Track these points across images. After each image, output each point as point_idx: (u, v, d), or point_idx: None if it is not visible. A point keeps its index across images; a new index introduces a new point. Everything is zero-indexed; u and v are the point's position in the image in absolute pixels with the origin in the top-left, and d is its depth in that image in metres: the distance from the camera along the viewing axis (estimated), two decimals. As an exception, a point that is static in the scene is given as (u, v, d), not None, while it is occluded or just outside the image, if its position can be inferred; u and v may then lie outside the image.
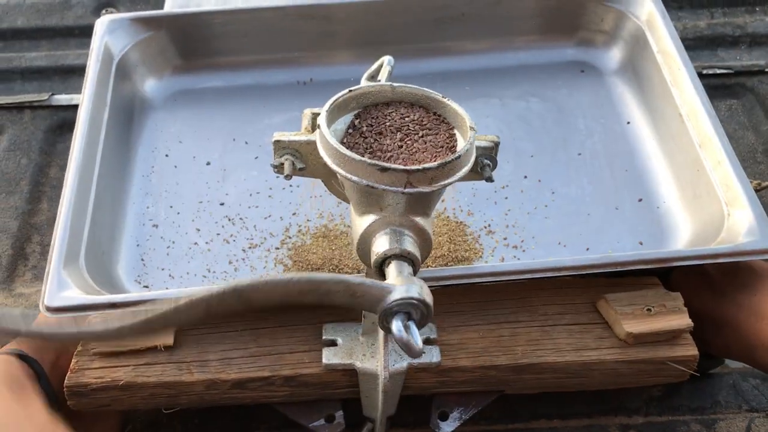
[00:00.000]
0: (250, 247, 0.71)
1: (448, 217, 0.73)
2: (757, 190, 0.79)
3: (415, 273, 0.46)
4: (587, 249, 0.70)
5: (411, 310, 0.42)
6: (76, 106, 0.96)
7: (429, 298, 0.42)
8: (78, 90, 0.99)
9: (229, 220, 0.74)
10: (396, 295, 0.41)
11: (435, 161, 0.46)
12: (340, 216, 0.73)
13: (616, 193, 0.75)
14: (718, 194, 0.68)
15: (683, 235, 0.71)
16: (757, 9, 1.07)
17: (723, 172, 0.68)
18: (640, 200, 0.74)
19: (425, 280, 0.60)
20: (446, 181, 0.46)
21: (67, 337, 0.47)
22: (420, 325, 0.42)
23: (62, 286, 0.61)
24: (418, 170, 0.44)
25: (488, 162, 0.54)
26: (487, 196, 0.75)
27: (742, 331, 0.63)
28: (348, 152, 0.45)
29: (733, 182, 0.67)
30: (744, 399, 0.71)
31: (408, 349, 0.41)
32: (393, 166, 0.44)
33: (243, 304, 0.40)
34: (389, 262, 0.46)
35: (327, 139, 0.46)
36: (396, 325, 0.41)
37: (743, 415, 0.70)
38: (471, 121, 0.49)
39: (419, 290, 0.42)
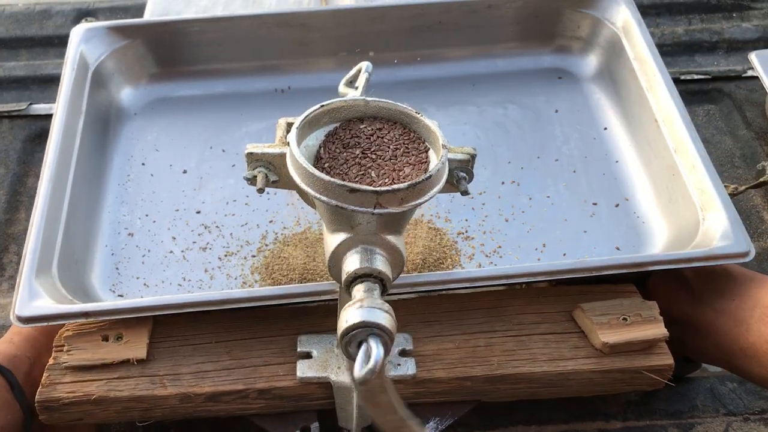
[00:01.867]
0: (226, 255, 0.71)
1: (425, 223, 0.73)
2: (734, 195, 0.79)
3: (385, 291, 0.46)
4: (564, 254, 0.71)
5: (366, 337, 0.41)
6: (53, 115, 0.96)
7: (385, 321, 0.41)
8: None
9: (206, 228, 0.73)
10: (345, 324, 0.41)
11: (406, 181, 0.46)
12: (317, 223, 0.73)
13: (592, 198, 0.75)
14: (693, 199, 0.68)
15: (659, 240, 0.71)
16: (734, 15, 1.08)
17: (698, 177, 0.69)
18: (617, 206, 0.75)
19: (401, 286, 0.60)
20: (416, 202, 0.45)
21: None
22: (384, 344, 0.41)
23: (34, 296, 0.60)
24: (387, 191, 0.44)
25: (464, 175, 0.54)
26: (465, 202, 0.75)
27: (720, 336, 0.63)
28: (317, 172, 0.45)
29: (708, 187, 0.67)
30: (721, 403, 0.72)
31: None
32: (362, 187, 0.44)
33: None
34: (356, 283, 0.45)
35: (296, 159, 0.46)
36: (358, 362, 0.41)
37: (721, 419, 0.71)
38: (444, 139, 0.49)
39: (370, 315, 0.41)
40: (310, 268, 0.68)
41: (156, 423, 0.64)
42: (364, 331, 0.41)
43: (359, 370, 0.40)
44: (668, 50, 1.02)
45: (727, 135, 0.94)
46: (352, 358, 0.42)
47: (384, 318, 0.41)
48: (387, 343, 0.41)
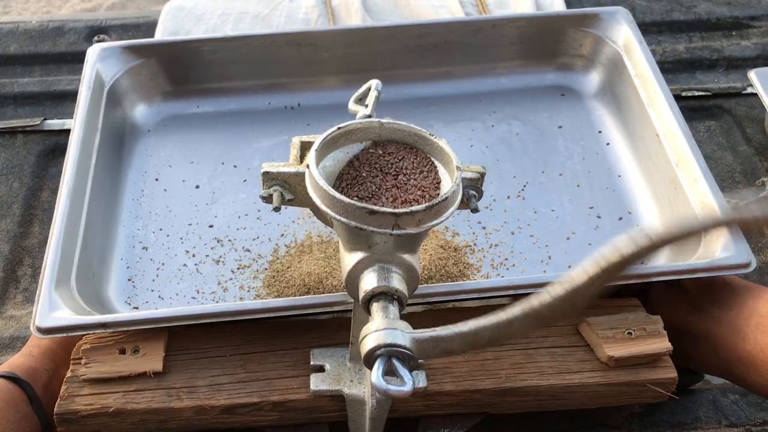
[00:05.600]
0: (239, 268, 0.72)
1: (432, 236, 0.74)
2: (735, 210, 0.81)
3: (402, 308, 0.47)
4: (569, 267, 0.72)
5: (394, 354, 0.43)
6: (68, 131, 0.98)
7: (406, 341, 0.43)
8: (70, 115, 1.00)
9: (218, 241, 0.75)
10: (376, 341, 0.43)
11: (422, 203, 0.47)
12: (328, 235, 0.74)
13: (596, 212, 0.77)
14: (695, 211, 0.70)
15: (662, 252, 0.73)
16: (734, 33, 1.10)
17: (699, 190, 0.70)
18: (620, 219, 0.76)
19: (410, 298, 0.62)
20: (433, 222, 0.47)
21: None
22: (408, 366, 0.43)
23: (53, 307, 0.62)
24: (405, 213, 0.45)
25: (474, 193, 0.55)
26: (472, 216, 0.76)
27: (719, 346, 0.64)
28: (337, 194, 0.46)
29: (709, 199, 0.69)
30: (723, 414, 0.73)
31: (388, 395, 0.42)
32: (381, 209, 0.45)
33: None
34: (375, 301, 0.47)
35: (316, 180, 0.47)
36: (375, 372, 0.42)
37: (723, 430, 0.72)
38: (458, 161, 0.50)
39: (398, 335, 0.43)
40: (320, 282, 0.69)
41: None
42: (386, 350, 0.42)
43: (380, 383, 0.42)
44: (669, 67, 1.04)
45: (728, 151, 0.96)
46: (370, 368, 0.43)
47: (404, 338, 0.43)
48: (409, 361, 0.43)
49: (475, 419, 0.64)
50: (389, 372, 0.43)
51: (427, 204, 0.46)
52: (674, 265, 0.66)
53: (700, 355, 0.67)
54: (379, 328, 0.43)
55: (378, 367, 0.42)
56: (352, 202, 0.45)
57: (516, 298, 0.68)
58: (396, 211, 0.45)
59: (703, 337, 0.66)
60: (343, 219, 0.46)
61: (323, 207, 0.47)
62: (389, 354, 0.42)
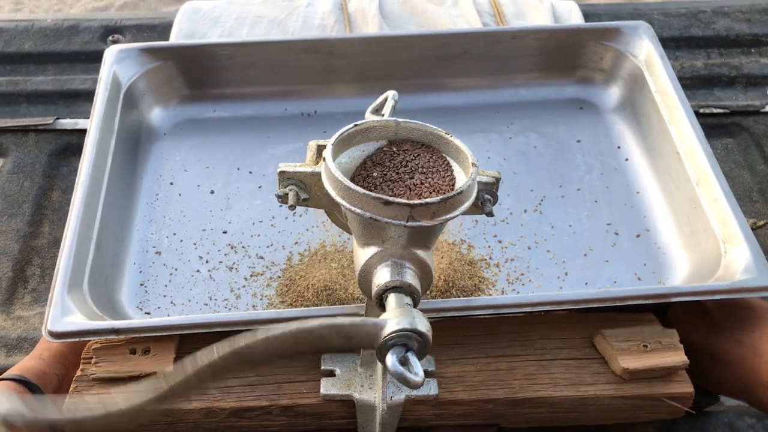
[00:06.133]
0: (252, 276, 0.72)
1: (448, 249, 0.74)
2: (753, 229, 0.80)
3: (415, 305, 0.47)
4: (586, 284, 0.71)
5: (407, 342, 0.42)
6: (80, 131, 0.98)
7: (424, 327, 0.42)
8: (83, 114, 1.00)
9: (232, 248, 0.74)
10: (388, 328, 0.42)
11: (437, 196, 0.47)
12: (342, 244, 0.74)
13: (614, 228, 0.76)
14: (715, 231, 0.69)
15: (681, 271, 0.72)
16: (753, 51, 1.10)
17: (720, 210, 0.69)
18: (638, 236, 0.75)
19: (424, 311, 0.61)
20: (448, 216, 0.47)
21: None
22: (420, 356, 0.42)
23: (66, 312, 0.61)
24: (420, 204, 0.45)
25: (489, 197, 0.55)
26: (488, 229, 0.76)
27: (740, 368, 0.63)
28: (352, 185, 0.46)
29: (730, 220, 0.68)
30: (739, 438, 0.71)
31: (405, 382, 0.42)
32: (396, 199, 0.45)
33: (245, 363, 0.43)
34: (389, 294, 0.46)
35: (332, 172, 0.48)
36: (390, 359, 0.42)
37: (739, 453, 0.70)
38: (473, 158, 0.50)
39: (411, 321, 0.42)
40: (334, 292, 0.68)
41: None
42: (405, 336, 0.42)
43: (394, 366, 0.41)
44: (687, 84, 1.03)
45: (745, 169, 0.95)
46: (383, 360, 0.43)
47: (424, 326, 0.42)
48: (422, 345, 0.42)
49: (487, 431, 0.63)
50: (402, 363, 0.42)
51: (442, 196, 0.46)
52: (694, 286, 0.65)
53: (718, 377, 0.66)
54: (394, 315, 0.43)
55: (392, 354, 0.41)
56: (368, 192, 0.46)
57: (530, 315, 0.68)
58: (411, 202, 0.46)
59: (723, 359, 0.65)
60: (357, 210, 0.46)
61: (338, 199, 0.47)
62: (402, 341, 0.42)
